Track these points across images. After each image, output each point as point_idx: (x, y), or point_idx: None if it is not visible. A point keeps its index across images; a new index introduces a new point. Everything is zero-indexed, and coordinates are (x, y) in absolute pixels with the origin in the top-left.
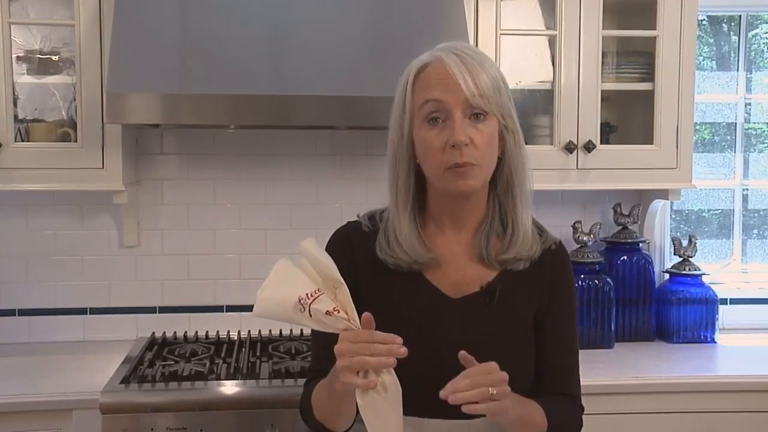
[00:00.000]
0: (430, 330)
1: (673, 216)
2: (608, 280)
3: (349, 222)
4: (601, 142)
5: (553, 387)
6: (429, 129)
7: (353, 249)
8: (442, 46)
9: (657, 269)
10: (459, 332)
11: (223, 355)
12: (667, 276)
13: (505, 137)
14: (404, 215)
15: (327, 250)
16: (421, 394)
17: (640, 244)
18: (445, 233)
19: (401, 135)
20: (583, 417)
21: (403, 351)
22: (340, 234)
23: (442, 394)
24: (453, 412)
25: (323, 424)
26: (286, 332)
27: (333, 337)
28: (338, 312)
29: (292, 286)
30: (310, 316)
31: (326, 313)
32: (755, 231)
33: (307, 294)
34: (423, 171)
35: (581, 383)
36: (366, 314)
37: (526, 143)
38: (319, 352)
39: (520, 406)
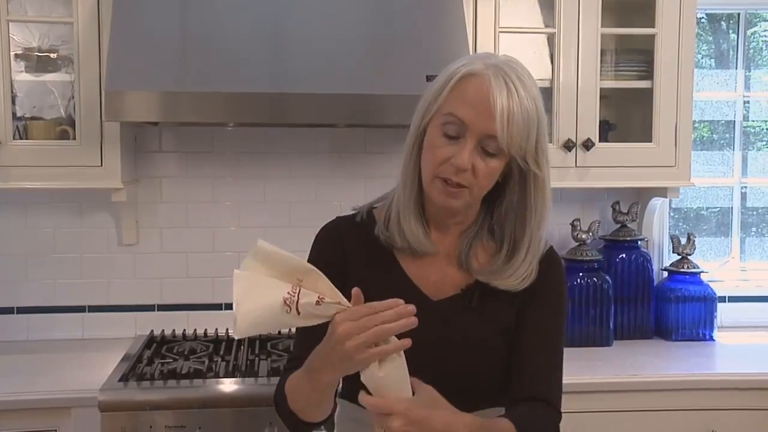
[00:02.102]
0: (409, 330)
1: (672, 214)
2: (607, 278)
3: (338, 216)
4: (600, 140)
5: (527, 389)
6: (440, 136)
7: (343, 241)
8: (497, 61)
9: (656, 267)
10: (437, 334)
11: (221, 352)
12: (665, 274)
13: (512, 171)
14: (410, 205)
15: (317, 243)
16: None
17: (639, 242)
18: (431, 231)
19: (420, 123)
20: (579, 417)
21: (411, 308)
22: (330, 227)
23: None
24: None
25: (297, 414)
26: (284, 330)
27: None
28: (324, 298)
29: (269, 290)
30: (299, 313)
31: (316, 304)
32: (754, 229)
33: (289, 293)
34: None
35: (580, 381)
36: (355, 290)
37: None
38: (301, 339)
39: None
